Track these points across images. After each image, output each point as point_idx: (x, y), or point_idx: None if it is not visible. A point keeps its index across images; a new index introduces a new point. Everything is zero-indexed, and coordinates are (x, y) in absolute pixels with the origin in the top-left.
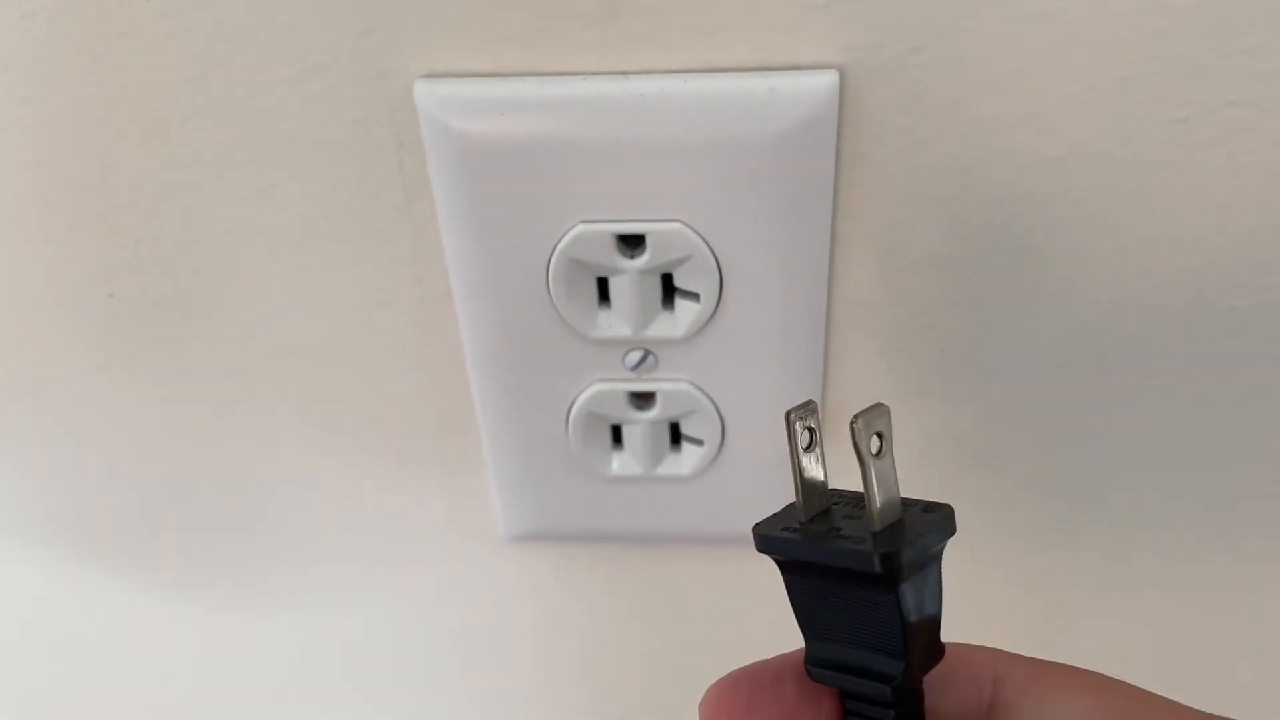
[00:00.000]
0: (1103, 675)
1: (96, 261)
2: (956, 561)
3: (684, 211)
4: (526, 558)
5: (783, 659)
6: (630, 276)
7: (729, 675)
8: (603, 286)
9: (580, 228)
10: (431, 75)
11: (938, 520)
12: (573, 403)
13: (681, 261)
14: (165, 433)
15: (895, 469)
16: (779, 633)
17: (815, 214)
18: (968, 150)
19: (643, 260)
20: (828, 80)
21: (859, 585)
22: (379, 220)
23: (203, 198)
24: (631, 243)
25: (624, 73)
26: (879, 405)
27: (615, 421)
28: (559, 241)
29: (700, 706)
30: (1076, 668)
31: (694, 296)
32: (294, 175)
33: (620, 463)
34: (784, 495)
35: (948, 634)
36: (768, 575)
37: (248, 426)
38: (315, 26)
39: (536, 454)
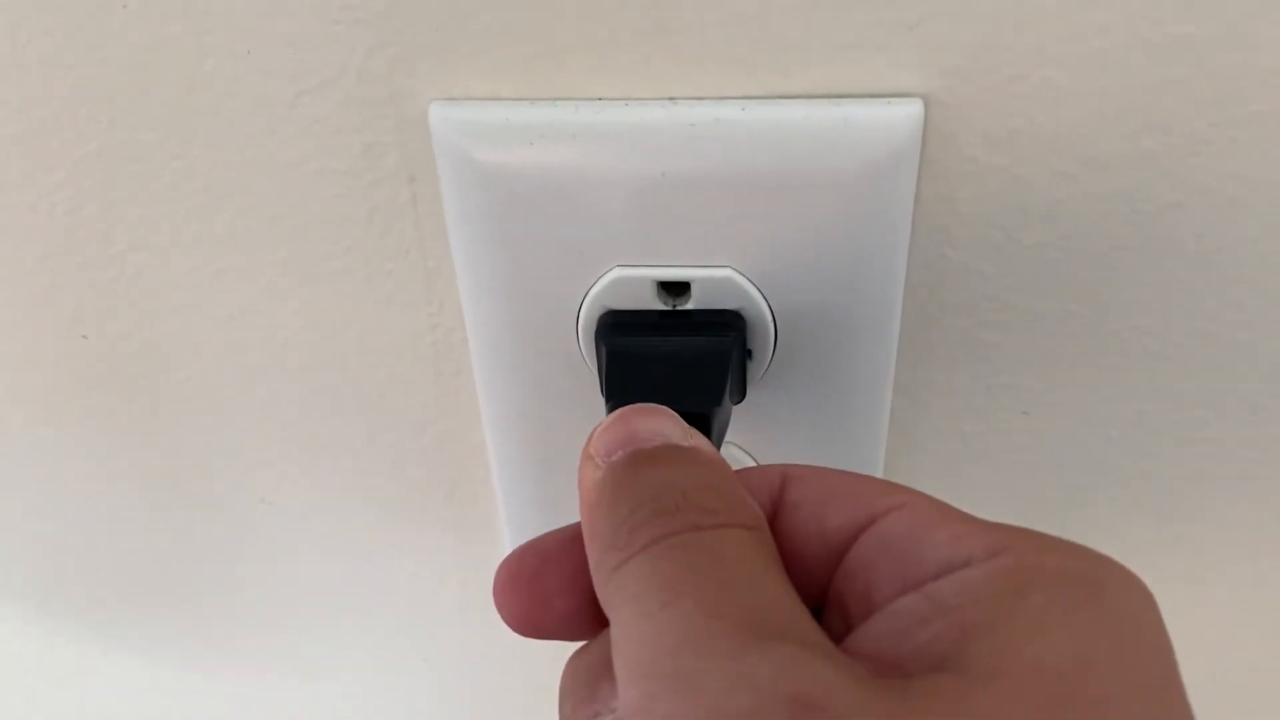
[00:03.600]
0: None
1: (69, 300)
2: None
3: (736, 257)
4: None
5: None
6: None
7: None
8: None
9: (616, 272)
10: (449, 98)
11: None
12: None
13: None
14: (149, 486)
15: None
16: None
17: (888, 264)
18: (1071, 193)
19: None
20: (910, 111)
21: None
22: (388, 260)
23: (188, 231)
24: (674, 290)
25: (671, 98)
26: None
27: None
28: (591, 287)
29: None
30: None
31: (745, 353)
32: (292, 208)
33: None
34: None
35: None
36: None
37: (240, 480)
38: (316, 40)
39: (558, 520)
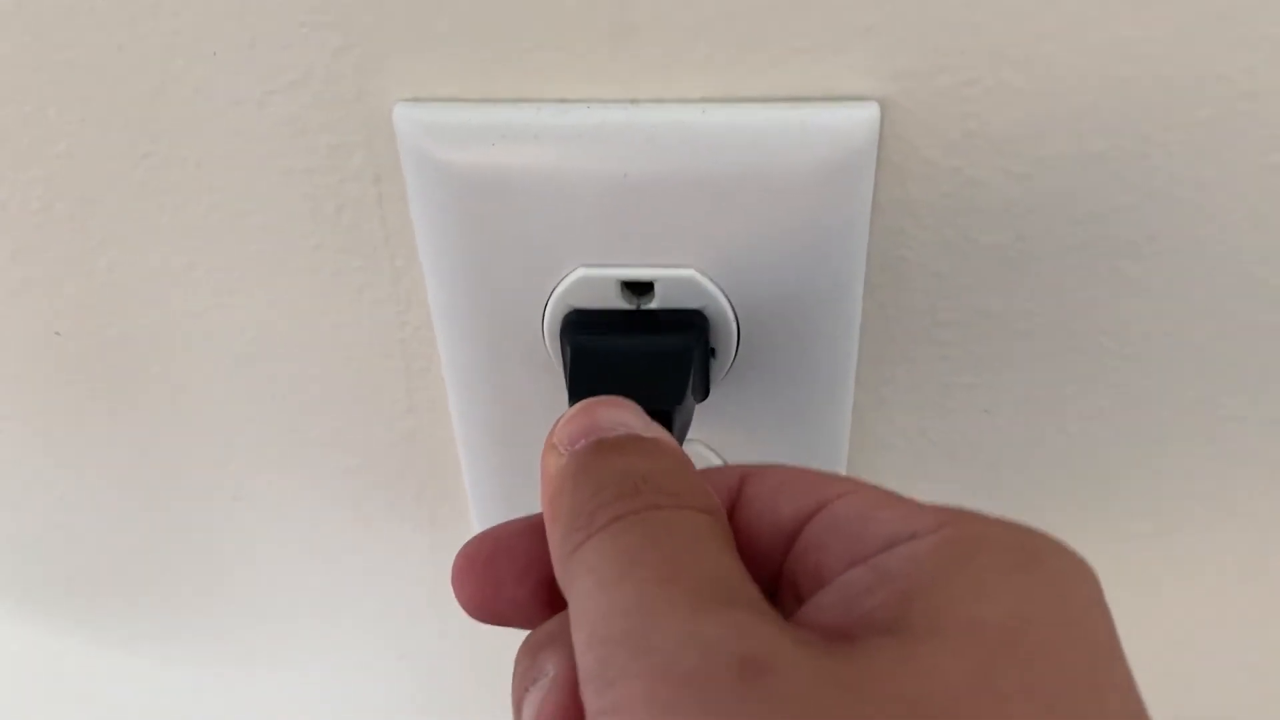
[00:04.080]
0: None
1: (41, 297)
2: None
3: (698, 258)
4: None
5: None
6: None
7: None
8: None
9: (580, 272)
10: (415, 99)
11: None
12: None
13: None
14: (122, 480)
15: None
16: None
17: (847, 264)
18: (1027, 194)
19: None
20: (867, 114)
21: None
22: (355, 258)
23: (158, 228)
24: (638, 290)
25: (633, 100)
26: None
27: None
28: (556, 287)
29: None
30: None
31: (708, 351)
32: (260, 206)
33: None
34: None
35: None
36: None
37: (212, 476)
38: (284, 41)
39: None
